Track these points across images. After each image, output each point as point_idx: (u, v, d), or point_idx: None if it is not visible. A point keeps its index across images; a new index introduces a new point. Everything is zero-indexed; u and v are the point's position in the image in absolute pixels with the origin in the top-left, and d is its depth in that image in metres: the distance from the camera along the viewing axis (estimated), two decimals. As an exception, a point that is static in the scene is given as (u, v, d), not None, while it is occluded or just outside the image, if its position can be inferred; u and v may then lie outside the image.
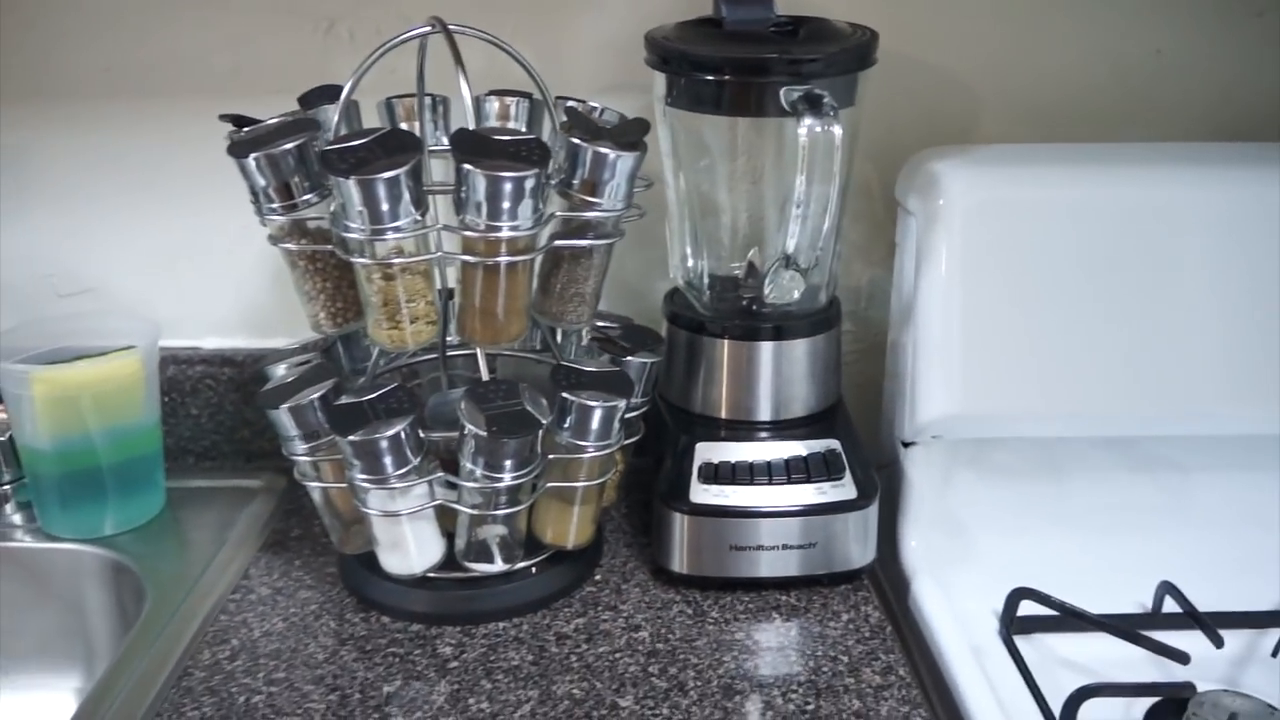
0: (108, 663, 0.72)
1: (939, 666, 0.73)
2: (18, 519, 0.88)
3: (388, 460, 0.68)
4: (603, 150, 0.68)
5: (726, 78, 0.74)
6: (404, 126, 0.79)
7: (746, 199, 0.82)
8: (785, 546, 0.76)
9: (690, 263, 0.84)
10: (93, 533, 0.85)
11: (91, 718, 0.67)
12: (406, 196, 0.64)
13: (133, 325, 0.86)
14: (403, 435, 0.68)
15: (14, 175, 0.92)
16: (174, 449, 0.94)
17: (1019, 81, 0.89)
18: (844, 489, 0.77)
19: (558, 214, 0.70)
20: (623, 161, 0.69)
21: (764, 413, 0.80)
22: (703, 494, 0.76)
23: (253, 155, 0.67)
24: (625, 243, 0.74)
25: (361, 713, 0.67)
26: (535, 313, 0.75)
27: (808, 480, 0.76)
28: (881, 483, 0.79)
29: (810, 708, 0.67)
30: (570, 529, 0.77)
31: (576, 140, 0.68)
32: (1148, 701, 0.68)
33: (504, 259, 0.67)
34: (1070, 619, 0.74)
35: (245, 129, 0.72)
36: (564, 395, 0.70)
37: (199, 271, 0.94)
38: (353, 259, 0.67)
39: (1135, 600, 0.79)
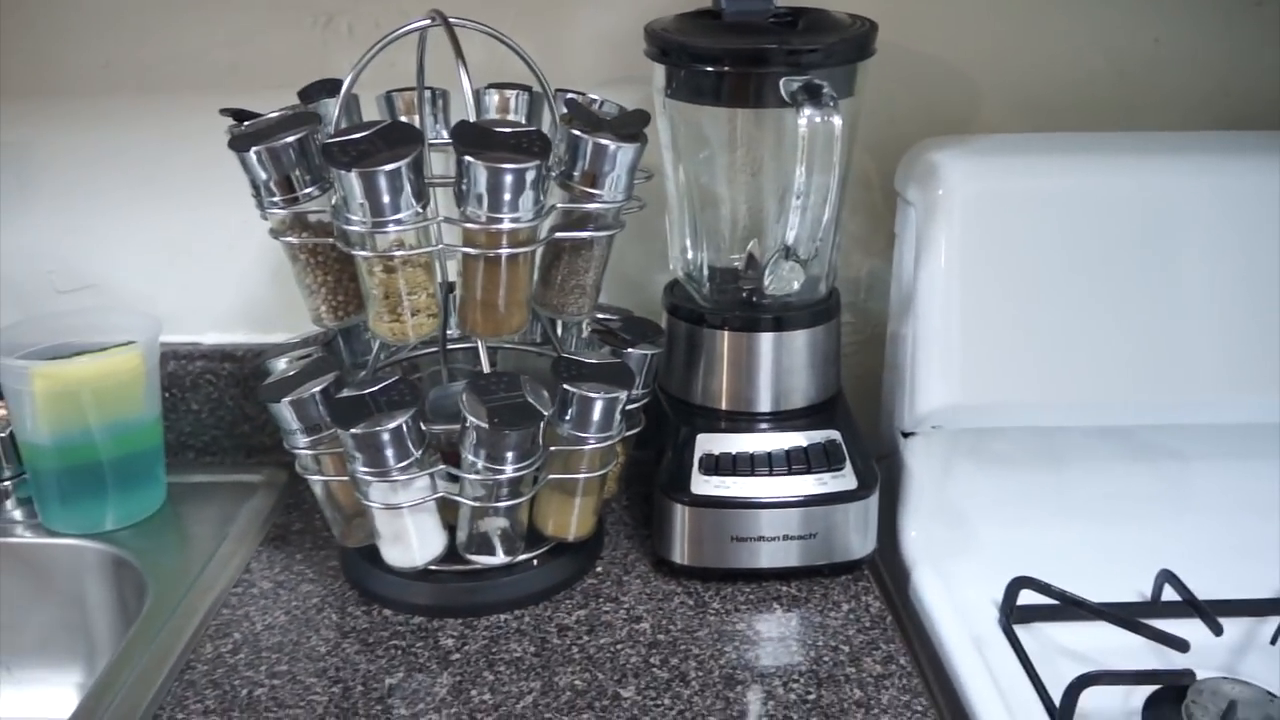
0: (110, 657, 0.73)
1: (939, 656, 0.73)
2: (18, 515, 0.88)
3: (389, 453, 0.68)
4: (603, 142, 0.68)
5: (726, 69, 0.74)
6: (404, 119, 0.79)
7: (746, 190, 0.82)
8: (786, 537, 0.76)
9: (690, 254, 0.84)
10: (93, 528, 0.85)
11: (94, 712, 0.67)
12: (408, 189, 0.64)
13: (133, 321, 0.86)
14: (404, 428, 0.68)
15: (15, 172, 0.91)
16: (174, 444, 0.94)
17: (1018, 72, 0.90)
18: (844, 479, 0.77)
19: (558, 206, 0.70)
20: (623, 153, 0.69)
21: (764, 404, 0.80)
22: (703, 485, 0.76)
23: (254, 149, 0.67)
24: (625, 235, 0.74)
25: (364, 705, 0.67)
26: (536, 305, 0.75)
27: (808, 471, 0.77)
28: (881, 473, 0.79)
29: (812, 697, 0.67)
30: (571, 521, 0.77)
31: (577, 132, 0.68)
32: (1147, 689, 0.68)
33: (505, 251, 0.67)
34: (1070, 608, 0.74)
35: (246, 123, 0.72)
36: (565, 387, 0.71)
37: (199, 266, 0.94)
38: (354, 252, 0.68)
39: (1135, 589, 0.79)
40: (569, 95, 0.78)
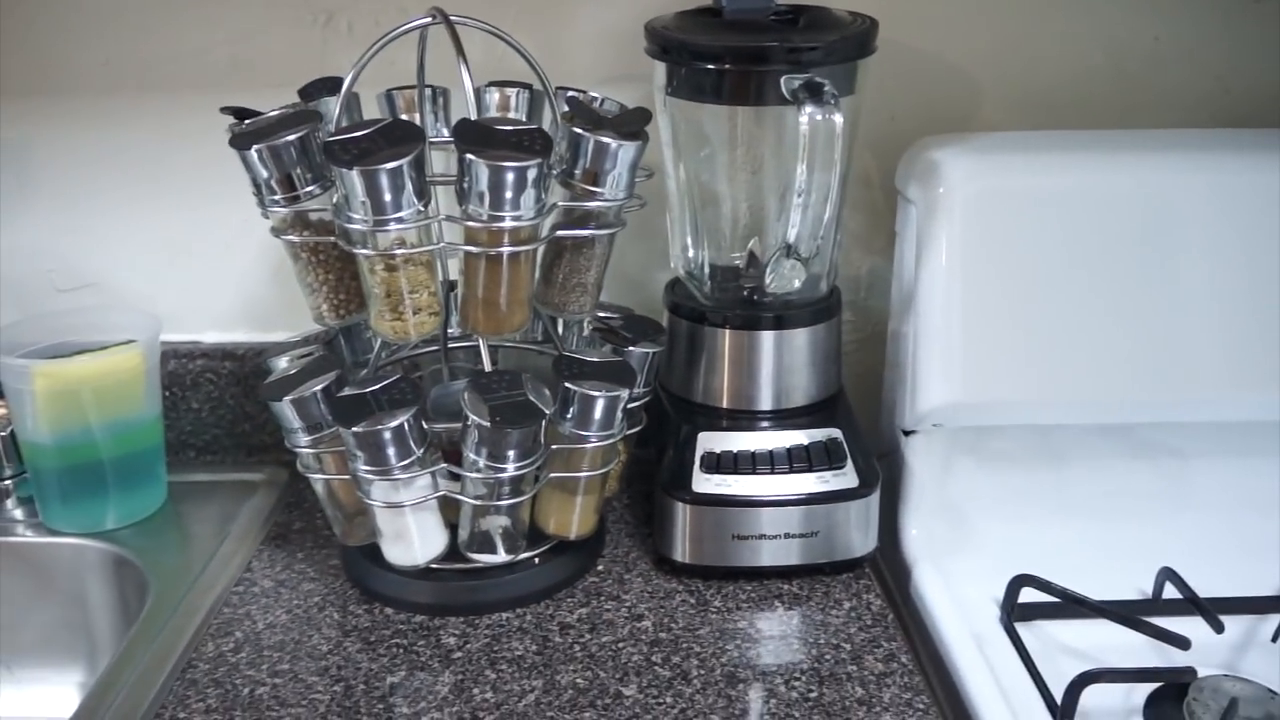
0: (111, 657, 0.73)
1: (940, 654, 0.73)
2: (19, 514, 0.88)
3: (391, 451, 0.68)
4: (605, 140, 0.68)
5: (727, 67, 0.74)
6: (404, 118, 0.79)
7: (747, 188, 0.82)
8: (787, 535, 0.76)
9: (691, 253, 0.84)
10: (94, 527, 0.85)
11: (95, 712, 0.67)
12: (409, 187, 0.64)
13: (134, 319, 0.86)
14: (406, 426, 0.68)
15: (15, 170, 0.91)
16: (175, 443, 0.94)
17: (1018, 69, 0.90)
18: (845, 477, 0.77)
19: (560, 204, 0.70)
20: (624, 151, 0.69)
21: (765, 402, 0.80)
22: (705, 483, 0.76)
23: (255, 147, 0.67)
24: (626, 233, 0.74)
25: (366, 704, 0.67)
26: (537, 303, 0.75)
27: (809, 469, 0.77)
28: (882, 471, 0.79)
29: (813, 695, 0.67)
30: (573, 519, 0.77)
31: (578, 130, 0.68)
32: (1149, 687, 0.68)
33: (506, 249, 0.67)
34: (1071, 605, 0.74)
35: (247, 122, 0.72)
36: (566, 385, 0.71)
37: (200, 265, 0.94)
38: (355, 250, 0.67)
39: (1136, 586, 0.79)
40: (570, 93, 0.78)
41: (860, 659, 0.70)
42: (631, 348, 0.78)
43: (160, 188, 0.92)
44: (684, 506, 0.76)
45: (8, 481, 0.89)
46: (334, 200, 0.68)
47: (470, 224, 0.67)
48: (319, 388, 0.71)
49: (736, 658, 0.70)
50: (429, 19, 0.70)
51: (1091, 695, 0.66)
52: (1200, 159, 0.81)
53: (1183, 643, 0.69)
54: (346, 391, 0.70)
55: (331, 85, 0.76)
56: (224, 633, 0.73)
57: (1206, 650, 0.71)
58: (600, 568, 0.80)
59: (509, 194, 0.65)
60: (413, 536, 0.73)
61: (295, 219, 0.72)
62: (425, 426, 0.70)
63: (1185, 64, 0.90)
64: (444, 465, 0.71)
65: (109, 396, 0.83)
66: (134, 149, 0.91)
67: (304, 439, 0.72)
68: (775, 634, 0.73)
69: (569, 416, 0.71)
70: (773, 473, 0.76)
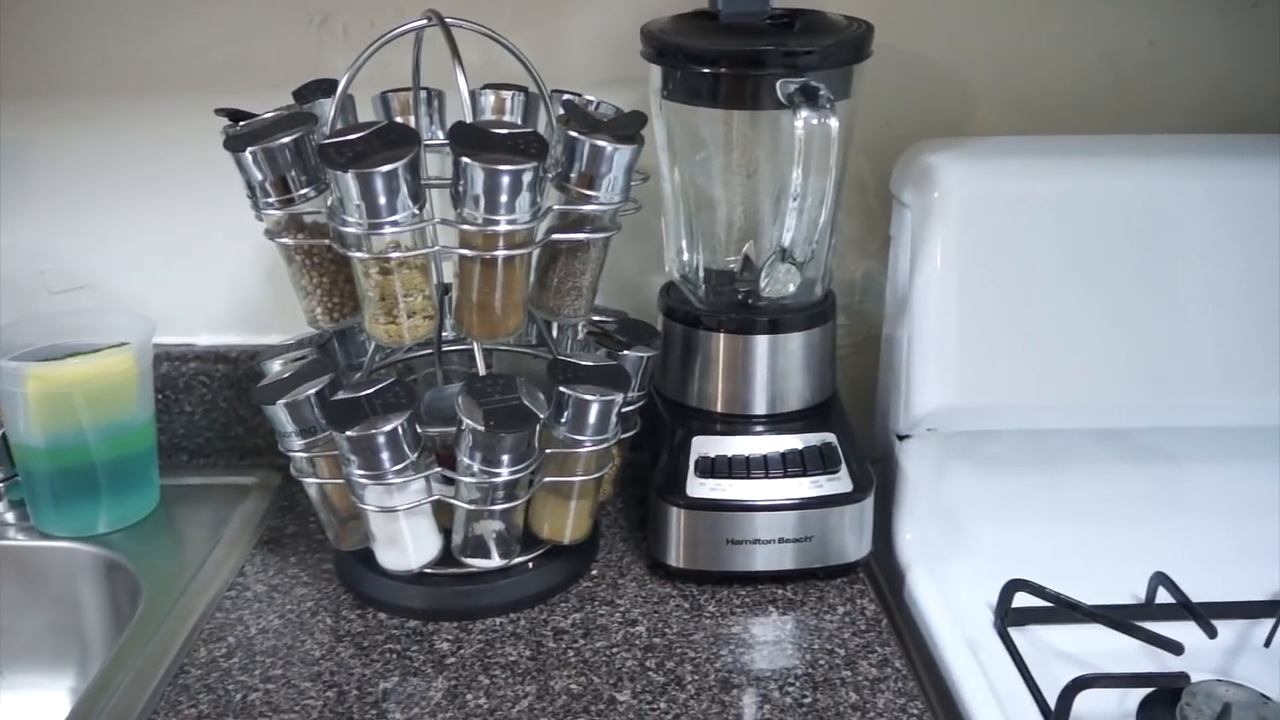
0: (103, 661, 0.72)
1: (935, 659, 0.73)
2: (10, 517, 0.88)
3: (385, 456, 0.68)
4: (600, 143, 0.68)
5: (722, 70, 0.74)
6: (399, 120, 0.79)
7: (742, 192, 0.82)
8: (781, 540, 0.76)
9: (686, 256, 0.84)
10: (86, 530, 0.85)
11: (87, 717, 0.67)
12: (404, 190, 0.64)
13: (127, 321, 0.86)
14: (400, 430, 0.68)
15: (8, 171, 0.91)
16: (168, 446, 0.94)
17: (1013, 74, 0.90)
18: (840, 482, 0.77)
19: (555, 207, 0.70)
20: (620, 155, 0.68)
21: (760, 406, 0.80)
22: (699, 488, 0.76)
23: (249, 149, 0.66)
24: (621, 237, 0.74)
25: (359, 709, 0.67)
26: (532, 307, 0.75)
27: (804, 474, 0.77)
28: (876, 476, 0.79)
29: (807, 700, 0.67)
30: (567, 524, 0.77)
31: (574, 133, 0.68)
32: (1142, 692, 0.68)
33: (501, 253, 0.67)
34: (1064, 610, 0.74)
35: (241, 123, 0.72)
36: (561, 390, 0.70)
37: (194, 267, 0.94)
38: (350, 253, 0.67)
39: (1129, 591, 0.79)
40: (565, 96, 0.78)
41: (854, 664, 0.70)
42: (626, 352, 0.77)
43: (154, 189, 0.91)
44: (678, 511, 0.76)
45: (-1, 484, 0.89)
46: (329, 203, 0.68)
47: (465, 227, 0.66)
48: (313, 391, 0.70)
49: (730, 663, 0.70)
50: (424, 21, 0.70)
51: (1085, 700, 0.66)
52: (1196, 163, 0.82)
53: (1176, 648, 0.70)
54: (340, 395, 0.70)
55: (327, 87, 0.76)
56: (216, 638, 0.73)
57: (1199, 655, 0.71)
58: (594, 572, 0.80)
59: (504, 197, 0.65)
60: (406, 541, 0.72)
61: (290, 221, 0.71)
62: (419, 431, 0.69)
63: (1181, 68, 0.90)
64: (438, 469, 0.71)
65: (101, 399, 0.83)
66: (128, 150, 0.91)
67: (297, 443, 0.71)
68: (769, 639, 0.73)
69: (563, 421, 0.71)
70: (767, 477, 0.76)
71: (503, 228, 0.66)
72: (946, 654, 0.72)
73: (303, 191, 0.68)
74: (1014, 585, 0.76)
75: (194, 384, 0.94)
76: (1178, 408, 0.82)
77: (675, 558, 0.77)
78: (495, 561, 0.75)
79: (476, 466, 0.69)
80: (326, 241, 0.70)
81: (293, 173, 0.68)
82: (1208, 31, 0.89)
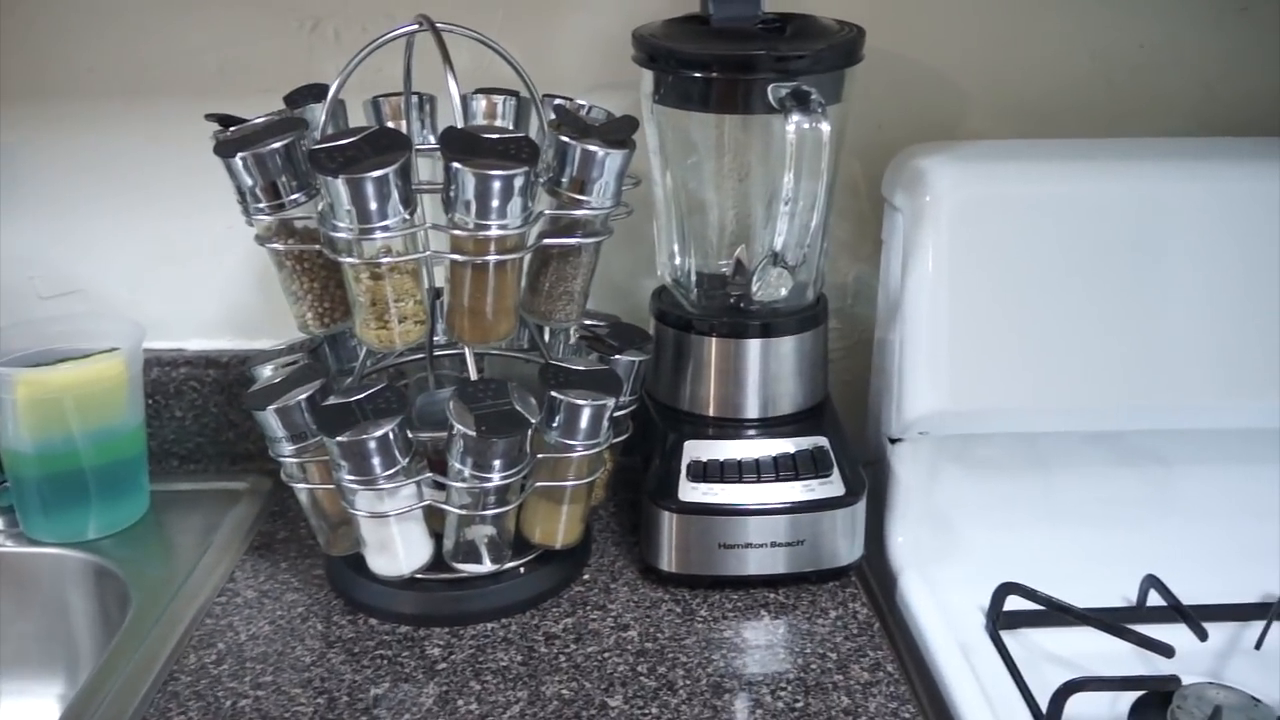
0: (92, 668, 0.72)
1: (926, 662, 0.73)
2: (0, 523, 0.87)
3: (376, 461, 0.68)
4: (591, 148, 0.68)
5: (714, 75, 0.74)
6: (390, 125, 0.79)
7: (733, 196, 0.82)
8: (774, 544, 0.76)
9: (678, 260, 0.84)
10: (76, 537, 0.84)
11: (77, 723, 0.67)
12: (395, 195, 0.64)
13: (117, 327, 0.86)
14: (391, 436, 0.67)
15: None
16: (158, 451, 0.94)
17: (1005, 77, 0.90)
18: (832, 486, 0.77)
19: (546, 212, 0.70)
20: (611, 159, 0.68)
21: (752, 410, 0.80)
22: (691, 492, 0.76)
23: (240, 155, 0.66)
24: (612, 241, 0.74)
25: (350, 715, 0.66)
26: (524, 311, 0.75)
27: (796, 477, 0.77)
28: (868, 479, 0.79)
29: (799, 705, 0.67)
30: (559, 528, 0.76)
31: (565, 138, 0.68)
32: (1133, 695, 0.68)
33: (493, 258, 0.67)
34: (1056, 613, 0.74)
35: (232, 128, 0.71)
36: (552, 394, 0.70)
37: (184, 272, 0.93)
38: (341, 258, 0.67)
39: (1120, 594, 0.79)
40: (557, 101, 0.78)
41: (846, 668, 0.70)
42: (618, 356, 0.77)
43: (145, 194, 0.91)
44: (670, 515, 0.76)
45: (-12, 490, 0.89)
46: (319, 208, 0.68)
47: (456, 232, 0.66)
48: (303, 397, 0.70)
49: (722, 667, 0.70)
50: (415, 26, 0.70)
51: (1076, 703, 0.66)
52: (1188, 166, 0.82)
53: (1167, 650, 0.70)
54: (331, 400, 0.69)
55: (317, 92, 0.76)
56: (206, 644, 0.73)
57: (1190, 658, 0.71)
58: (586, 577, 0.79)
59: (495, 202, 0.65)
60: (397, 546, 0.72)
61: (280, 227, 0.71)
62: (410, 436, 0.69)
63: (1172, 71, 0.90)
64: (429, 475, 0.71)
65: (91, 405, 0.82)
66: (119, 155, 0.90)
67: (288, 448, 0.71)
68: (761, 643, 0.73)
69: (555, 425, 0.71)
70: (759, 481, 0.76)
71: (494, 233, 0.66)
72: (938, 657, 0.72)
73: (293, 197, 0.68)
74: (1006, 588, 0.76)
75: (184, 389, 0.94)
76: (1169, 410, 0.82)
77: (667, 562, 0.77)
78: (487, 567, 0.74)
79: (468, 471, 0.69)
80: (317, 247, 0.69)
81: (283, 178, 0.68)
82: (1199, 35, 0.89)
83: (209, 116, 0.73)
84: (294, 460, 0.72)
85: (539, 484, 0.73)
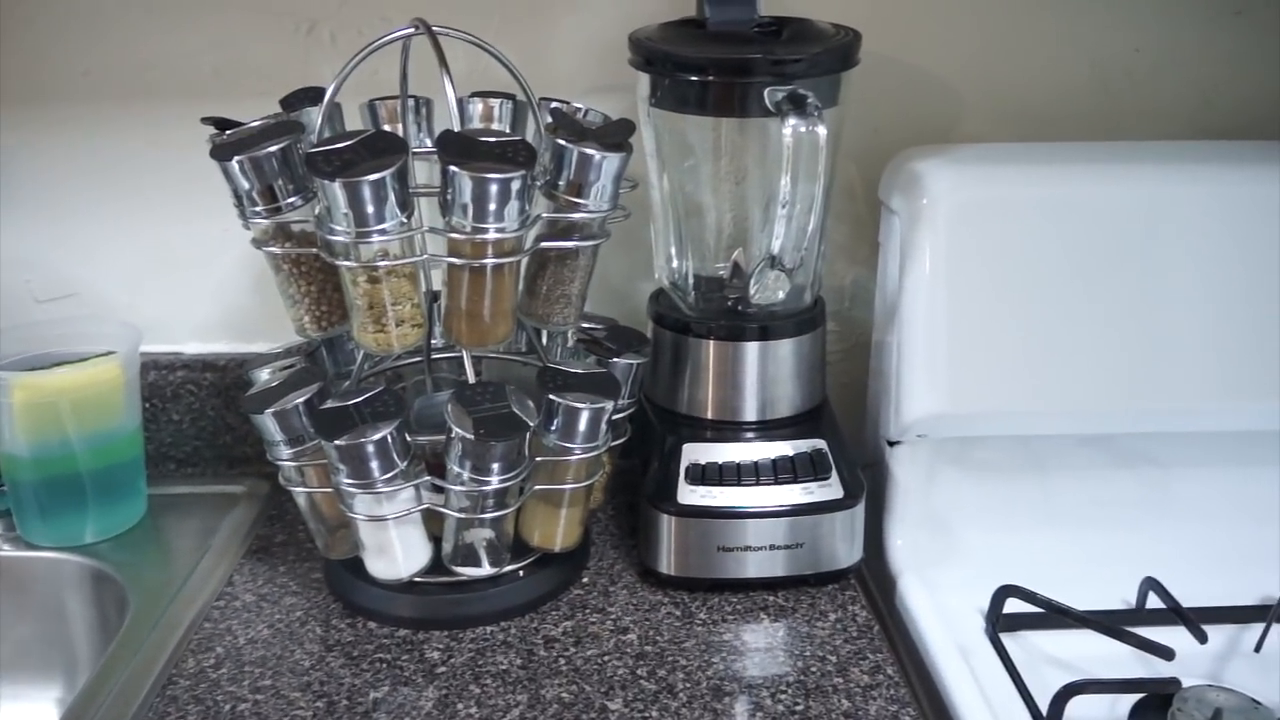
0: (90, 672, 0.72)
1: (926, 665, 0.73)
2: (-4, 528, 0.87)
3: (374, 464, 0.68)
4: (589, 151, 0.68)
5: (710, 78, 0.74)
6: (387, 128, 0.79)
7: (730, 199, 0.82)
8: (773, 547, 0.76)
9: (675, 263, 0.84)
10: (73, 541, 0.84)
11: (75, 728, 0.66)
12: (392, 199, 0.64)
13: (114, 330, 0.85)
14: (389, 439, 0.67)
15: (-5, 179, 0.91)
16: (155, 455, 0.93)
17: (1000, 81, 0.90)
18: (831, 488, 0.77)
19: (543, 215, 0.70)
20: (608, 162, 0.68)
21: (750, 413, 0.80)
22: (690, 495, 0.76)
23: (236, 158, 0.66)
24: (610, 244, 0.74)
25: (349, 719, 0.66)
26: (521, 315, 0.75)
27: (794, 480, 0.77)
28: (866, 482, 0.79)
29: (799, 708, 0.67)
30: (557, 531, 0.76)
31: (562, 141, 0.68)
32: (1133, 697, 0.68)
33: (490, 261, 0.67)
34: (1056, 616, 0.74)
35: (228, 132, 0.71)
36: (551, 398, 0.70)
37: (181, 275, 0.93)
38: (338, 262, 0.67)
39: (1120, 596, 0.79)
40: (553, 104, 0.78)
41: (846, 671, 0.70)
42: (616, 359, 0.77)
43: (141, 197, 0.91)
44: (669, 518, 0.76)
45: (-15, 494, 0.88)
46: (316, 212, 0.67)
47: (454, 236, 0.66)
48: (301, 400, 0.70)
49: (722, 671, 0.70)
50: (412, 29, 0.70)
51: (1076, 706, 0.66)
52: (1183, 170, 0.82)
53: (1167, 653, 0.70)
54: (329, 404, 0.69)
55: (314, 95, 0.76)
56: (205, 648, 0.73)
57: (1190, 660, 0.71)
58: (585, 580, 0.79)
59: (492, 206, 0.65)
60: (396, 550, 0.72)
61: (277, 230, 0.71)
62: (409, 439, 0.69)
63: (1167, 75, 0.90)
64: (428, 478, 0.71)
65: (88, 408, 0.82)
66: (114, 158, 0.90)
67: (286, 452, 0.71)
68: (761, 646, 0.73)
69: (553, 429, 0.71)
70: (758, 484, 0.76)
71: (491, 236, 0.66)
72: (938, 660, 0.72)
73: (290, 200, 0.68)
74: (1005, 591, 0.76)
75: (181, 392, 0.94)
76: (1167, 413, 0.82)
77: (666, 565, 0.77)
78: (486, 570, 0.74)
79: (466, 475, 0.69)
80: (314, 250, 0.69)
81: (280, 181, 0.68)
82: (1192, 40, 0.89)
83: (205, 120, 0.73)
84: (292, 464, 0.72)
85: (537, 487, 0.73)
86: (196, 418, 0.95)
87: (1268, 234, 0.80)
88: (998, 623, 0.76)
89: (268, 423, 0.70)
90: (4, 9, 0.86)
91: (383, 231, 0.65)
